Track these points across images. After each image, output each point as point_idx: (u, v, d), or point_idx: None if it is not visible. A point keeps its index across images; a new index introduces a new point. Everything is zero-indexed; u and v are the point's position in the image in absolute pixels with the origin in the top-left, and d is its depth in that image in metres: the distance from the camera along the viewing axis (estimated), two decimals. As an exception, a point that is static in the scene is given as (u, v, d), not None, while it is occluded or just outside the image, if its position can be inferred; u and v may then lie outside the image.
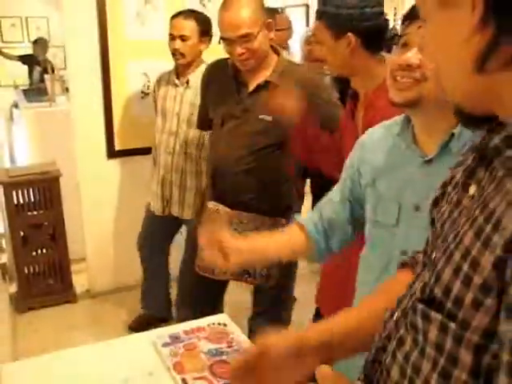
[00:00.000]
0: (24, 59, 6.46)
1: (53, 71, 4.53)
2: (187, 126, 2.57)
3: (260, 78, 1.98)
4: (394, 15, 4.87)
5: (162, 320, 2.83)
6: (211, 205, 2.04)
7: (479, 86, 0.58)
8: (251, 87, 2.00)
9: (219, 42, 1.99)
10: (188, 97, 2.57)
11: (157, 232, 2.80)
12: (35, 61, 6.18)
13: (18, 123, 4.55)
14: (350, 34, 1.56)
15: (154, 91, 2.77)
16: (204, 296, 2.28)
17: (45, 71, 5.02)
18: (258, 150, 1.99)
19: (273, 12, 3.38)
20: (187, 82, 2.57)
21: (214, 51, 2.36)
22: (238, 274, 1.95)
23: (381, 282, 1.02)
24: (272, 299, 2.27)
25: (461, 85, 0.60)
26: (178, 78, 2.61)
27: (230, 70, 2.04)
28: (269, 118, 1.94)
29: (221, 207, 2.01)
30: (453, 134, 1.11)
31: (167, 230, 2.82)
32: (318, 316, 2.17)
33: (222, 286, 2.32)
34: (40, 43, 6.34)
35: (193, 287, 2.32)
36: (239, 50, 1.89)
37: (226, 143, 2.03)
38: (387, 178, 1.24)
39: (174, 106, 2.61)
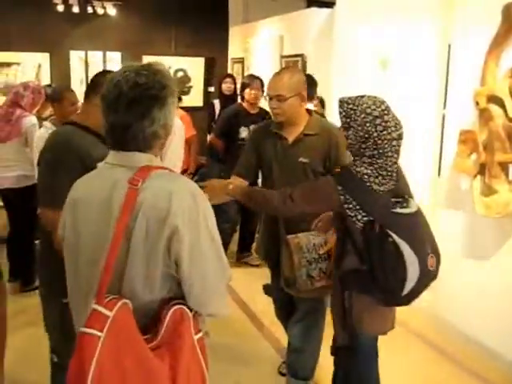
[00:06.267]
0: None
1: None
2: None
3: (295, 134, 2.60)
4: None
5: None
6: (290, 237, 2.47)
7: None
8: (291, 139, 2.61)
9: (265, 98, 2.66)
10: None
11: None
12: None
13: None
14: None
15: None
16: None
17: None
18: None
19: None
20: None
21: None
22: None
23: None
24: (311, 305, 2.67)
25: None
26: None
27: (272, 129, 2.66)
28: (306, 160, 2.55)
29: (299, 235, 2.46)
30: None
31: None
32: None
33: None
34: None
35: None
36: (273, 104, 2.54)
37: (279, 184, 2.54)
38: None
39: None
